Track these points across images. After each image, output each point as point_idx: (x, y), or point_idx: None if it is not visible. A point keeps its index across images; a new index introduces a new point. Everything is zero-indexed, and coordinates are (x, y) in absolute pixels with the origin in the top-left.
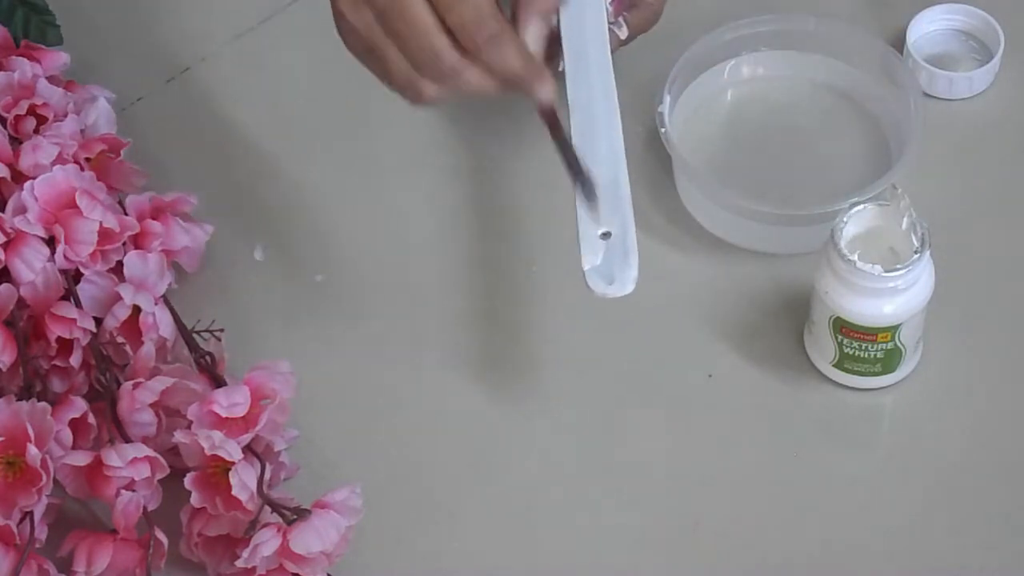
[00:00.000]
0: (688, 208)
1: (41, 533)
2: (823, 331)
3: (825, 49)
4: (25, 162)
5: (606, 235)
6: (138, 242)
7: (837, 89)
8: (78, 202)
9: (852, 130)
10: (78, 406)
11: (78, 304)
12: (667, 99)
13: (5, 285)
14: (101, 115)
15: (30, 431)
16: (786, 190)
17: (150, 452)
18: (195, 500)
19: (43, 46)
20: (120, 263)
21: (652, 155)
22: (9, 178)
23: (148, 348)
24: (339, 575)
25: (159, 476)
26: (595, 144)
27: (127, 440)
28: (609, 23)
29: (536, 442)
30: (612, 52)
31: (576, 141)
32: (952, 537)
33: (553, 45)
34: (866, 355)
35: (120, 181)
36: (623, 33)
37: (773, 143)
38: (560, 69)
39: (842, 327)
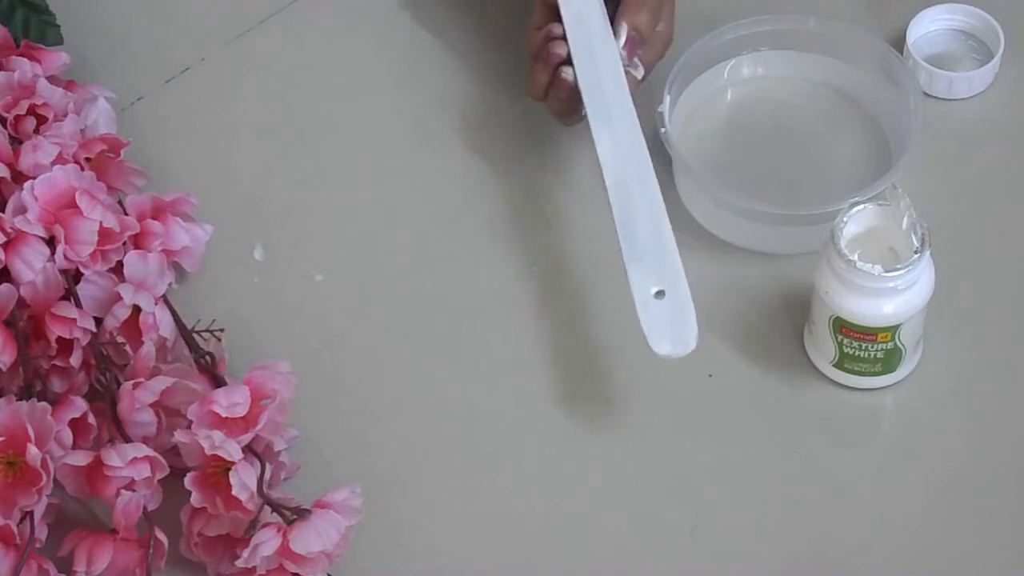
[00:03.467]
0: (688, 208)
1: (41, 533)
2: (823, 331)
3: (825, 49)
4: (25, 162)
5: (659, 294)
6: (138, 242)
7: (837, 89)
8: (78, 202)
9: (852, 130)
10: (78, 406)
11: (78, 304)
12: (667, 99)
13: (5, 285)
14: (101, 115)
15: (30, 431)
16: (786, 190)
17: (150, 452)
18: (195, 500)
19: (43, 46)
20: (120, 263)
21: (652, 155)
22: (9, 178)
23: (148, 348)
24: (339, 575)
25: (159, 476)
26: (633, 202)
27: (127, 440)
28: (625, 66)
29: (535, 442)
30: (631, 92)
31: (613, 201)
32: (952, 537)
33: (575, 99)
34: (866, 355)
35: (120, 181)
36: (639, 73)
37: (773, 143)
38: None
39: (842, 327)
